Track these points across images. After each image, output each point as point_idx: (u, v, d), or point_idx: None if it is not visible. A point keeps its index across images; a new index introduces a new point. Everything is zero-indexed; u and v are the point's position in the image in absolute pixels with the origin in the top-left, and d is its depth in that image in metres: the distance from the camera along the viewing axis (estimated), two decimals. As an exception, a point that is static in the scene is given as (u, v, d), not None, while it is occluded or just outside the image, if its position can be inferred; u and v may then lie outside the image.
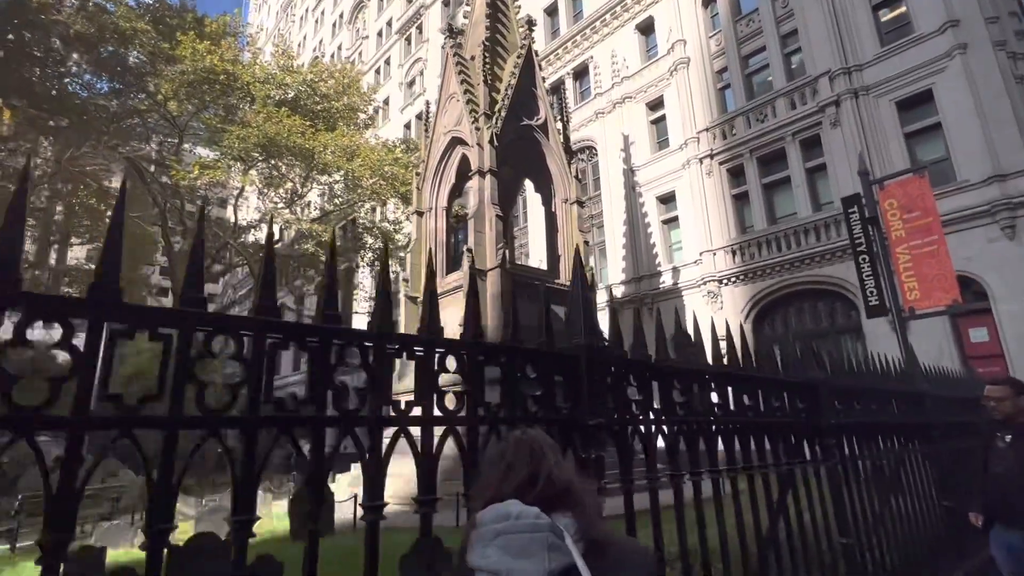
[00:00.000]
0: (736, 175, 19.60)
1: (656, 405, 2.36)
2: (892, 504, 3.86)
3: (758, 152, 18.90)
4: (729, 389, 2.74)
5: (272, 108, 20.02)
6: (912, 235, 9.20)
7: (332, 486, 13.80)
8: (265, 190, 24.46)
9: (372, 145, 22.48)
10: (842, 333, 16.64)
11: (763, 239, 18.09)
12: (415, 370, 1.77)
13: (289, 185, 24.02)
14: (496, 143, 13.07)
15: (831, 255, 16.29)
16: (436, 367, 1.77)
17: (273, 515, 11.37)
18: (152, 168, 23.01)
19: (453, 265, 14.31)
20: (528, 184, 16.91)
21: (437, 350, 1.78)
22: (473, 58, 14.63)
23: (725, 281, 18.77)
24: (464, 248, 12.94)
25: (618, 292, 22.03)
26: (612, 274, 22.83)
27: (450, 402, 1.79)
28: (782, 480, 2.84)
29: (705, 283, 19.15)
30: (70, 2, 20.20)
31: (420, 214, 14.87)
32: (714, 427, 2.60)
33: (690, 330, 2.68)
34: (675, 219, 21.31)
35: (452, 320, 1.91)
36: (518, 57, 14.72)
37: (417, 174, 15.51)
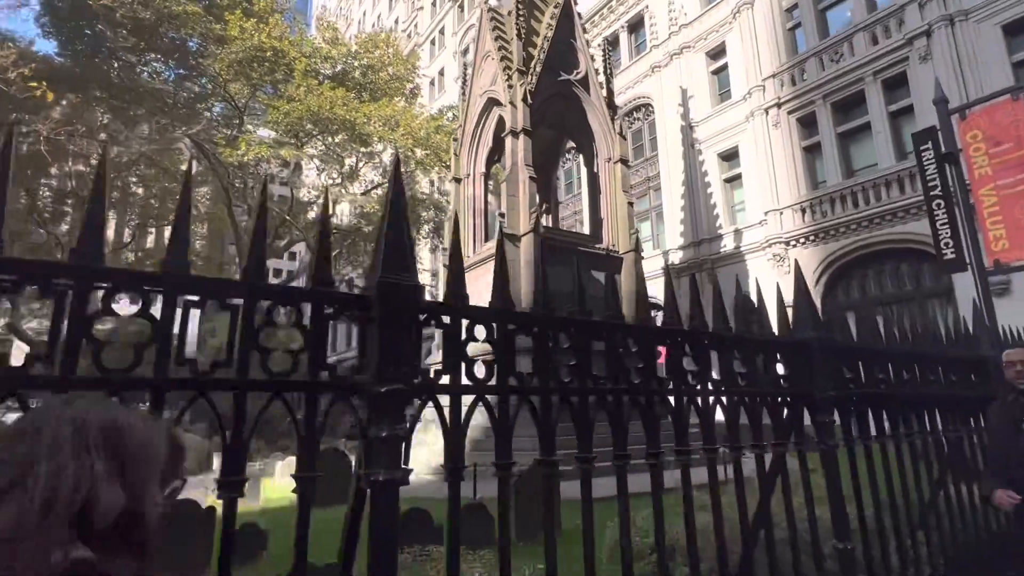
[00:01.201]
0: (807, 125, 17.79)
1: (715, 376, 2.31)
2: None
3: (833, 97, 17.02)
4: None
5: (314, 81, 20.18)
6: (1000, 172, 7.70)
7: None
8: (323, 166, 24.99)
9: (414, 114, 22.27)
10: (929, 297, 14.86)
11: (837, 195, 16.40)
12: (442, 340, 1.76)
13: (347, 162, 24.41)
14: (530, 100, 12.41)
15: (917, 209, 14.44)
16: (464, 336, 1.75)
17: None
18: (217, 149, 24.11)
19: (492, 233, 13.89)
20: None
21: (463, 320, 1.77)
22: (509, 13, 13.89)
23: (793, 242, 17.27)
24: (498, 213, 12.47)
25: (676, 258, 20.89)
26: (670, 239, 21.67)
27: (481, 372, 1.78)
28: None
29: (770, 245, 17.71)
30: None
31: (458, 181, 14.52)
32: (779, 399, 2.50)
33: (753, 296, 2.56)
34: (738, 177, 19.78)
35: (487, 289, 1.88)
36: (555, 7, 13.81)
37: (455, 139, 15.11)
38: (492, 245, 12.83)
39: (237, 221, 24.03)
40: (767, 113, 18.44)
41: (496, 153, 14.31)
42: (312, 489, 1.48)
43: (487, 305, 1.83)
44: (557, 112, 13.64)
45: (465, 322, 1.79)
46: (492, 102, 13.70)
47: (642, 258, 13.32)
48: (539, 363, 1.87)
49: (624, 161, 13.92)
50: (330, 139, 22.19)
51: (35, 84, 12.52)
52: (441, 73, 38.89)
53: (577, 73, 13.64)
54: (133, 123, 24.09)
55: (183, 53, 22.99)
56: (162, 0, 19.50)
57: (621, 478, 1.96)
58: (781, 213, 17.71)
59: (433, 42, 40.72)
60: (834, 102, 17.08)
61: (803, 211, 17.27)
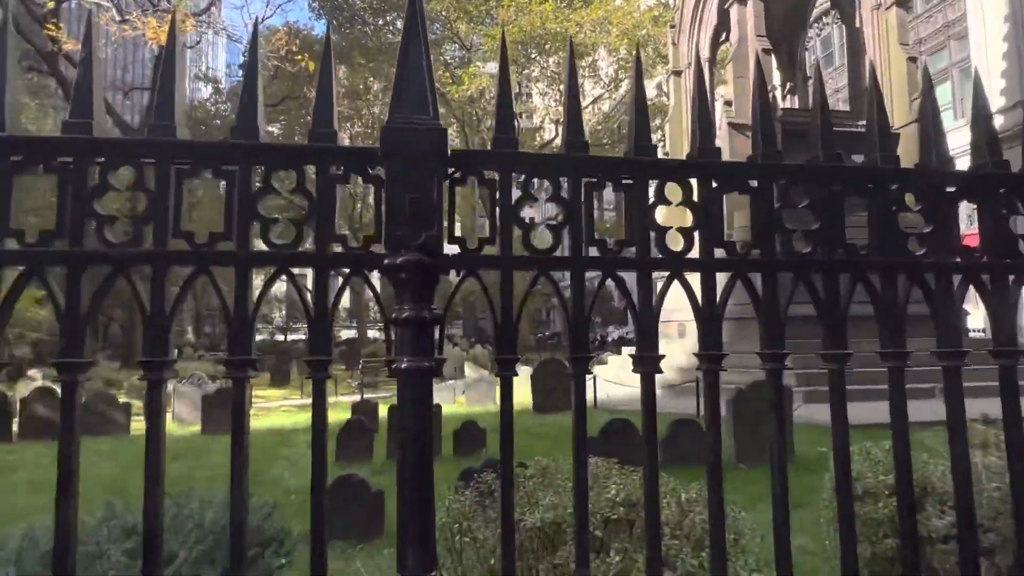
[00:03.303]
0: None
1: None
2: None
3: None
4: None
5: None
6: None
7: (602, 368, 14.29)
8: (545, 89, 25.12)
9: (628, 10, 20.36)
10: None
11: None
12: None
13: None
14: (761, -50, 10.12)
15: None
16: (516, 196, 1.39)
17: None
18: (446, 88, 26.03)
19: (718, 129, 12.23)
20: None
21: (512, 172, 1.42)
22: None
23: None
24: (723, 101, 10.85)
25: (995, 123, 15.52)
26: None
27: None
28: None
29: None
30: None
31: (678, 74, 12.99)
32: None
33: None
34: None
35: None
36: None
37: (672, 27, 13.44)
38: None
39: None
40: None
41: (721, 31, 12.28)
42: (325, 377, 1.29)
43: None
44: (799, -41, 10.94)
45: (518, 177, 1.36)
46: (713, -32, 11.65)
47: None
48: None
49: (903, 3, 10.53)
50: (547, 60, 21.95)
51: (300, 56, 14.97)
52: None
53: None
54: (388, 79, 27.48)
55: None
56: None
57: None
58: None
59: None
60: None
61: None
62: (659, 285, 1.37)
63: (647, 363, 1.32)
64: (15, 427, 8.64)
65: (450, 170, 1.32)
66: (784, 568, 1.33)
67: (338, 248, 1.30)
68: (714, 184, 1.40)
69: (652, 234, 1.36)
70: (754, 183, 1.41)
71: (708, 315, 1.36)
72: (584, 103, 26.31)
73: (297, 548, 2.97)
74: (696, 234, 1.39)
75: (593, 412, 8.65)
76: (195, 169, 1.28)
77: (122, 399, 10.12)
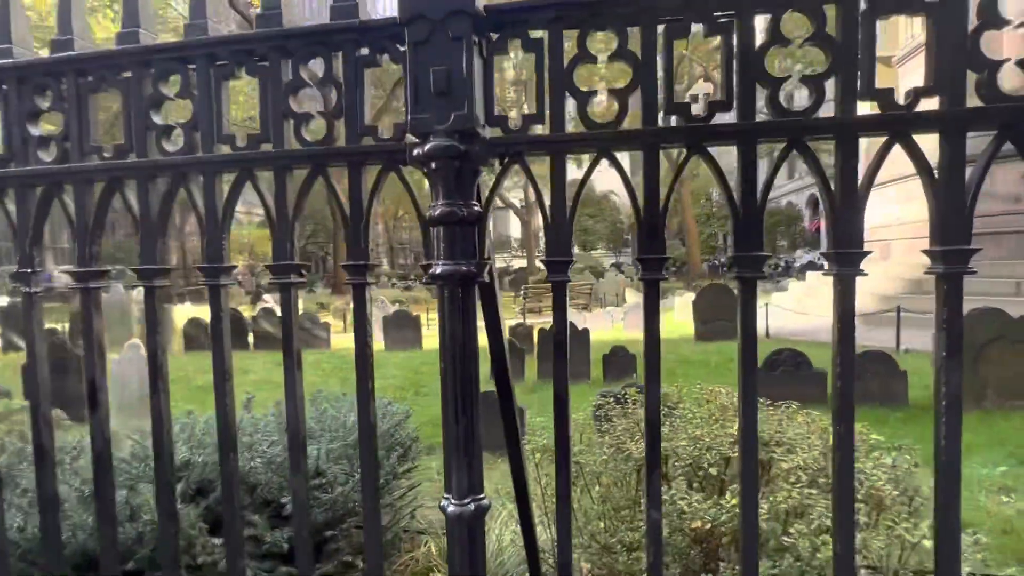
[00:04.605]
0: None
1: None
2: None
3: None
4: None
5: None
6: None
7: (781, 296, 12.84)
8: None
9: None
10: None
11: None
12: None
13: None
14: None
15: None
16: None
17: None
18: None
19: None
20: None
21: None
22: None
23: None
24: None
25: None
26: None
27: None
28: None
29: None
30: None
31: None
32: None
33: None
34: None
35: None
36: None
37: None
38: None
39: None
40: None
41: None
42: (364, 284, 1.21)
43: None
44: None
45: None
46: None
47: None
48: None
49: None
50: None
51: None
52: None
53: None
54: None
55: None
56: None
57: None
58: None
59: None
60: None
61: None
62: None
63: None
64: (250, 339, 10.80)
65: (484, 36, 1.09)
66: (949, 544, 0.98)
67: (369, 141, 1.18)
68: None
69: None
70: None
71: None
72: None
73: (433, 453, 3.17)
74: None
75: (764, 342, 7.84)
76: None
77: (324, 319, 11.93)
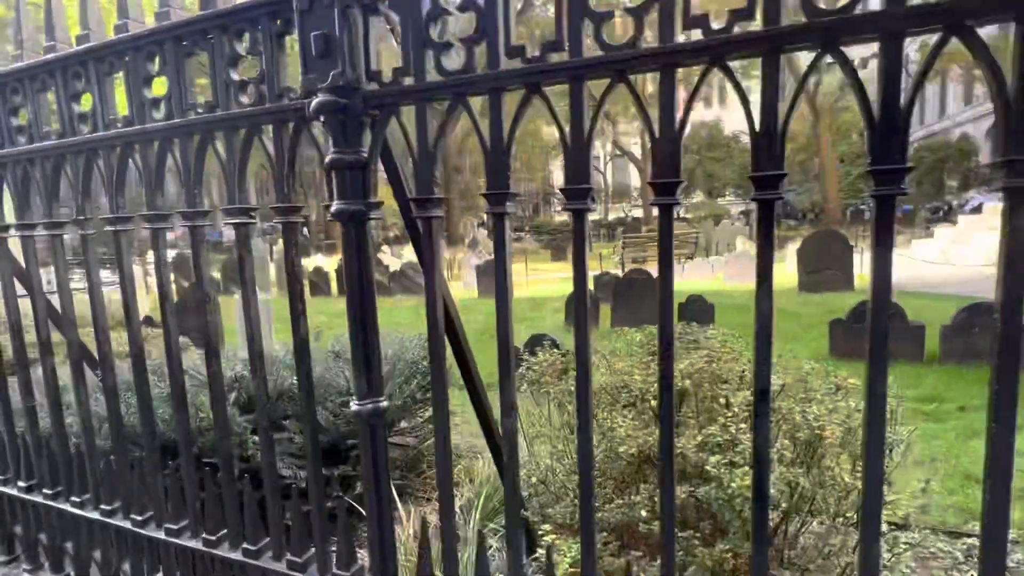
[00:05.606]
0: None
1: None
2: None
3: None
4: None
5: None
6: None
7: (924, 244, 11.28)
8: None
9: None
10: None
11: None
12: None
13: None
14: None
15: None
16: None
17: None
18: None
19: None
20: None
21: None
22: None
23: None
24: None
25: None
26: None
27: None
28: None
29: None
30: None
31: None
32: None
33: None
34: None
35: None
36: None
37: None
38: None
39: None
40: None
41: None
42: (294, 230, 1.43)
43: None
44: None
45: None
46: None
47: None
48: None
49: None
50: None
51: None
52: None
53: None
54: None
55: None
56: None
57: None
58: None
59: None
60: None
61: None
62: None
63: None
64: (333, 286, 12.77)
65: (361, 2, 1.23)
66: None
67: (285, 102, 1.38)
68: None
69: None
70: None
71: None
72: None
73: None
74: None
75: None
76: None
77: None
